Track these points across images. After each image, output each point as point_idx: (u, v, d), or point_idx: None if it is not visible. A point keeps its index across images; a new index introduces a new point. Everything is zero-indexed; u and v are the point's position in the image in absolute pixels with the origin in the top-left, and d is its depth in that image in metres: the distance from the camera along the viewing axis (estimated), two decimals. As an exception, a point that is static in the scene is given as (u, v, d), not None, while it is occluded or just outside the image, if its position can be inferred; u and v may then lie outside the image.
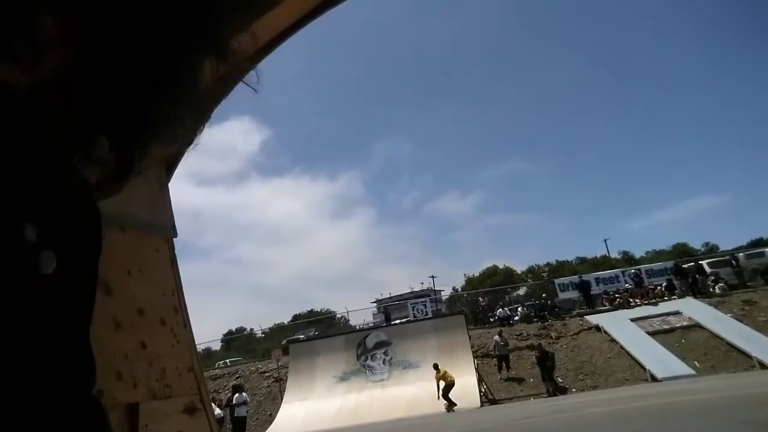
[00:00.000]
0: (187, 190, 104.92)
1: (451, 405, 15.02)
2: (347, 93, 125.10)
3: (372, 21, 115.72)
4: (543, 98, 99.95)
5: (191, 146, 0.56)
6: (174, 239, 1.53)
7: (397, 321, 23.30)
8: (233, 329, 42.46)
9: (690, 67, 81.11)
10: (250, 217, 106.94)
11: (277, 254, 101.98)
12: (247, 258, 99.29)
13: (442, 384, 15.41)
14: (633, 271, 23.82)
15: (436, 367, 15.89)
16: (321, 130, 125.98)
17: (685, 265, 23.13)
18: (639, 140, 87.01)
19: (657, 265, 24.64)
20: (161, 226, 1.48)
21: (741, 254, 24.28)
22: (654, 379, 14.95)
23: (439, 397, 15.22)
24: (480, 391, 15.57)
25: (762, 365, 14.45)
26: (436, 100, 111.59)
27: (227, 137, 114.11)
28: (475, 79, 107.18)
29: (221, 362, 29.05)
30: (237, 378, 21.60)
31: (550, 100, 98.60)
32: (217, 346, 36.04)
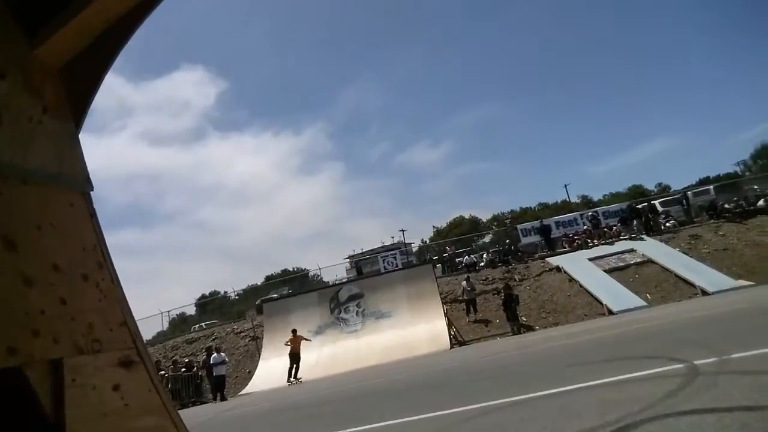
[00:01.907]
0: (141, 150, 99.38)
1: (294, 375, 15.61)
2: (308, 37, 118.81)
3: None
4: (519, 34, 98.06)
5: (95, 92, 0.51)
6: (91, 193, 1.44)
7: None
8: (206, 293, 42.33)
9: (656, 17, 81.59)
10: (212, 177, 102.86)
11: (244, 215, 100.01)
12: (213, 221, 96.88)
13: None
14: (590, 213, 24.74)
15: (294, 332, 16.40)
16: (281, 79, 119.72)
17: (639, 206, 24.27)
18: (602, 85, 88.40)
19: (613, 207, 25.74)
20: (73, 180, 1.38)
21: (690, 192, 25.72)
22: (610, 312, 15.94)
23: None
24: (450, 334, 16.34)
25: (703, 292, 15.75)
26: (404, 40, 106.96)
27: (178, 91, 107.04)
28: (449, 16, 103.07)
29: (196, 326, 29.09)
30: (213, 340, 21.77)
31: (525, 38, 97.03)
32: (191, 311, 36.01)
